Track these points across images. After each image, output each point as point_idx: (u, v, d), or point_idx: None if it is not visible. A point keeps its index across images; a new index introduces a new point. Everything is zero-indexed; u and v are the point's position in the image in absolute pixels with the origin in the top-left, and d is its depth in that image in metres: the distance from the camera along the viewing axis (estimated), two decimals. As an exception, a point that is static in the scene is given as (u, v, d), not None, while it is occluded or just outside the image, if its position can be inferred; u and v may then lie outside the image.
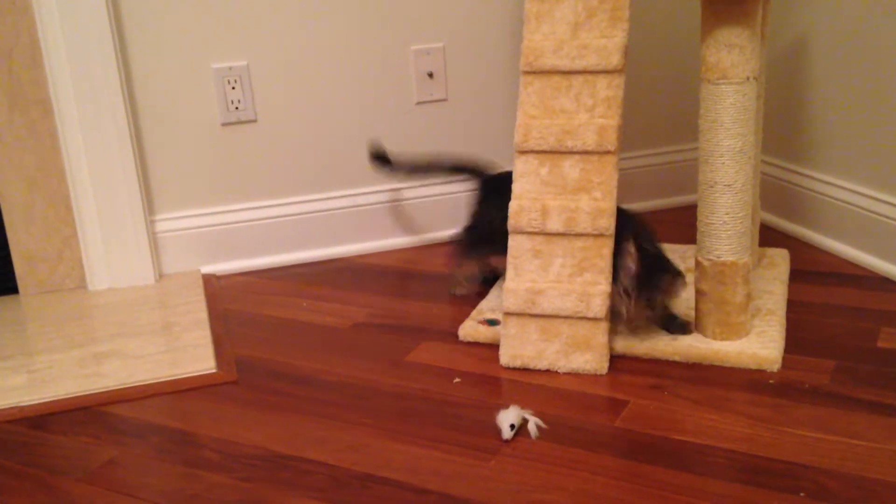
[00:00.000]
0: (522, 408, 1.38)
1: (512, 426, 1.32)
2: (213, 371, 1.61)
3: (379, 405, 1.48)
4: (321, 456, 1.34)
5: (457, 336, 1.68)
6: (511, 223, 1.58)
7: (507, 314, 1.57)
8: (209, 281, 2.04)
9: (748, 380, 1.47)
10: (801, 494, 1.18)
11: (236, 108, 2.05)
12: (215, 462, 1.34)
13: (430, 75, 2.15)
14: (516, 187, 1.60)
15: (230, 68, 2.02)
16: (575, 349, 1.53)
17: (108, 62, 1.91)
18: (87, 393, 1.55)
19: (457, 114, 2.19)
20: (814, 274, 1.87)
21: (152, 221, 2.05)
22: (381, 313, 1.84)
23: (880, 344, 1.56)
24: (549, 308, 1.53)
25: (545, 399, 1.46)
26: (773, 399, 1.41)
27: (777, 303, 1.68)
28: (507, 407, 1.37)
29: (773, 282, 1.78)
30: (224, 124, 2.06)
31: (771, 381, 1.46)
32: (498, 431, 1.34)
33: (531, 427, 1.35)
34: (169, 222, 2.07)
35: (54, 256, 2.02)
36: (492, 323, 1.68)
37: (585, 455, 1.30)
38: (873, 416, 1.35)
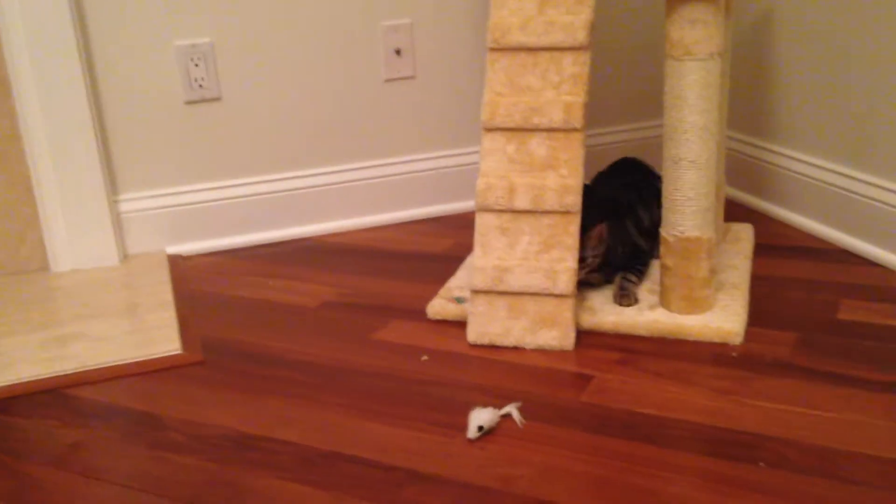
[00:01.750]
0: (501, 407, 1.34)
1: (480, 428, 1.29)
2: (179, 352, 1.60)
3: (347, 384, 1.48)
4: (289, 435, 1.34)
5: (425, 314, 1.68)
6: (478, 201, 1.58)
7: (475, 292, 1.57)
8: (175, 261, 2.02)
9: (712, 353, 1.49)
10: (761, 464, 1.20)
11: (200, 85, 2.02)
12: (182, 444, 1.33)
13: (398, 52, 2.13)
14: (483, 165, 1.60)
15: (193, 46, 1.99)
16: (542, 326, 1.54)
17: (68, 40, 1.88)
18: (51, 376, 1.53)
19: (425, 91, 2.18)
20: (777, 248, 1.90)
21: (116, 201, 2.03)
22: (349, 292, 1.84)
23: (841, 316, 1.59)
24: (517, 285, 1.54)
25: (512, 376, 1.47)
26: (736, 371, 1.43)
27: (741, 277, 1.70)
28: (484, 405, 1.33)
29: (737, 256, 1.80)
30: (188, 102, 2.03)
31: (734, 354, 1.48)
32: (467, 418, 1.31)
33: (515, 417, 1.33)
34: (133, 202, 2.05)
35: (15, 238, 1.98)
36: (460, 301, 1.68)
37: (551, 430, 1.31)
38: (833, 387, 1.37)
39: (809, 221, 1.97)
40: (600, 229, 1.61)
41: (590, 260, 1.62)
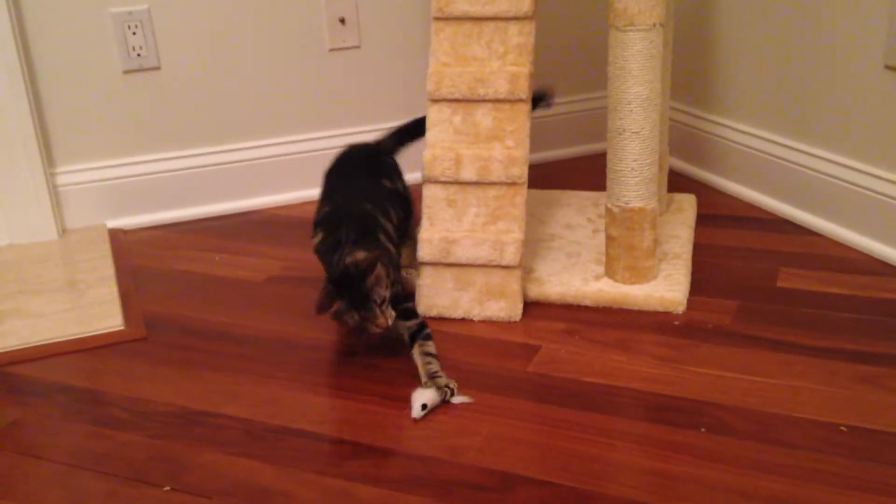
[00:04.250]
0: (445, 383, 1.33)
1: (424, 406, 1.28)
2: (121, 328, 1.57)
3: (294, 358, 1.47)
4: (235, 410, 1.33)
5: (372, 286, 1.67)
6: (425, 173, 1.57)
7: (422, 264, 1.57)
8: (116, 236, 1.98)
9: (655, 322, 1.52)
10: (702, 430, 1.23)
11: (138, 54, 1.96)
12: (125, 420, 1.31)
13: (342, 21, 2.10)
14: (430, 136, 1.59)
15: (130, 13, 1.93)
16: (489, 297, 1.54)
17: (-3, 6, 1.81)
18: (-12, 354, 1.50)
19: (370, 61, 2.15)
20: (719, 217, 1.93)
21: (53, 174, 1.97)
22: (296, 266, 1.82)
23: (780, 283, 1.63)
24: (464, 257, 1.54)
25: (460, 347, 1.47)
26: (679, 340, 1.46)
27: (683, 246, 1.73)
28: (426, 385, 1.32)
29: (679, 226, 1.82)
30: (126, 72, 1.97)
31: (676, 323, 1.51)
32: (412, 395, 1.30)
33: (457, 401, 1.32)
34: (71, 175, 1.99)
35: (-53, 213, 1.92)
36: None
37: (499, 400, 1.32)
38: (772, 353, 1.41)
39: (750, 191, 2.00)
40: (377, 265, 1.33)
41: (385, 306, 1.36)
